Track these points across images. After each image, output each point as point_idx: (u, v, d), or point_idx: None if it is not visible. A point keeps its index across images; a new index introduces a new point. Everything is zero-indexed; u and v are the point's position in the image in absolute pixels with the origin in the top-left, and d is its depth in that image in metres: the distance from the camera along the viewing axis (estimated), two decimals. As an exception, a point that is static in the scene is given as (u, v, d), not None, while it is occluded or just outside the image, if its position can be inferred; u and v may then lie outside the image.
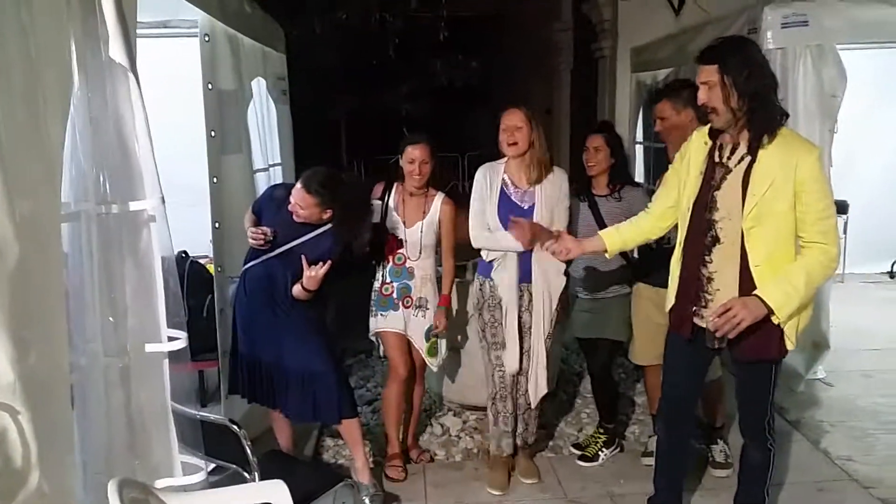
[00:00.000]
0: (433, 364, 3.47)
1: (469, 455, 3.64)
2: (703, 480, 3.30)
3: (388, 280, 3.38)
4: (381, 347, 3.50)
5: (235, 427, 2.04)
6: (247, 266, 3.06)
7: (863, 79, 4.87)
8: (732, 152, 2.39)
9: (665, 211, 2.64)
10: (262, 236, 2.93)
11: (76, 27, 1.74)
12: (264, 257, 3.01)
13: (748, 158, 2.35)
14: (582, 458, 3.52)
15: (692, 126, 3.11)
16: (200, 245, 4.04)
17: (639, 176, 6.04)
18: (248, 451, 2.02)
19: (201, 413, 2.07)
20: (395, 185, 3.40)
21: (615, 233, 2.74)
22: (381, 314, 3.38)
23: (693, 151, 2.51)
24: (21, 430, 1.37)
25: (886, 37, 4.35)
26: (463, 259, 3.80)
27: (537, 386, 3.20)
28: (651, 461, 3.39)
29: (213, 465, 2.22)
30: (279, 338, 3.00)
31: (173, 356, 2.00)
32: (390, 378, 3.43)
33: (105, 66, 1.84)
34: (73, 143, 1.76)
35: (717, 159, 2.43)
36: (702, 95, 2.37)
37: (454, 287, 3.53)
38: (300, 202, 2.86)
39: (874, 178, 6.29)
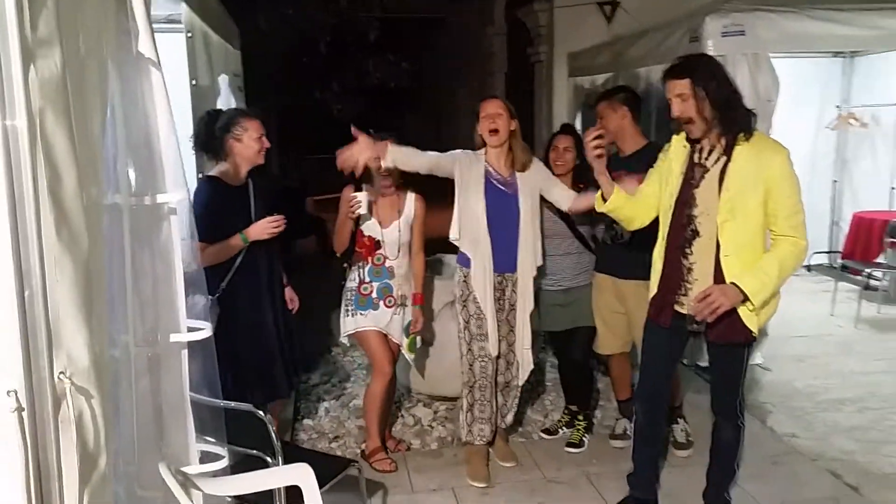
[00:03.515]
0: (411, 359, 3.56)
1: (444, 443, 3.76)
2: (667, 459, 3.52)
3: (367, 280, 3.41)
4: (352, 347, 3.56)
5: (261, 413, 2.08)
6: (226, 282, 3.04)
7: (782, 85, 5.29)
8: (710, 153, 2.60)
9: (650, 202, 2.81)
10: (282, 220, 3.03)
11: (111, 22, 1.76)
12: (240, 258, 3.05)
13: (724, 158, 2.56)
14: (569, 444, 3.67)
15: (626, 121, 3.38)
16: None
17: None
18: (274, 438, 2.07)
19: (226, 402, 2.09)
20: (365, 186, 3.39)
21: (621, 196, 2.82)
22: (361, 313, 3.40)
23: (674, 153, 2.70)
24: (94, 414, 1.39)
25: (813, 46, 4.72)
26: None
27: (524, 362, 3.37)
28: (620, 443, 3.64)
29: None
30: (281, 319, 3.17)
31: (197, 345, 2.02)
32: (376, 377, 3.45)
33: (135, 60, 1.86)
34: (108, 137, 1.77)
35: (696, 160, 2.63)
36: (676, 108, 2.56)
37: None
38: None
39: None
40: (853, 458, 3.55)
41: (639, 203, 2.84)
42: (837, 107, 6.97)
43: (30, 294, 1.25)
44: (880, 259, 6.14)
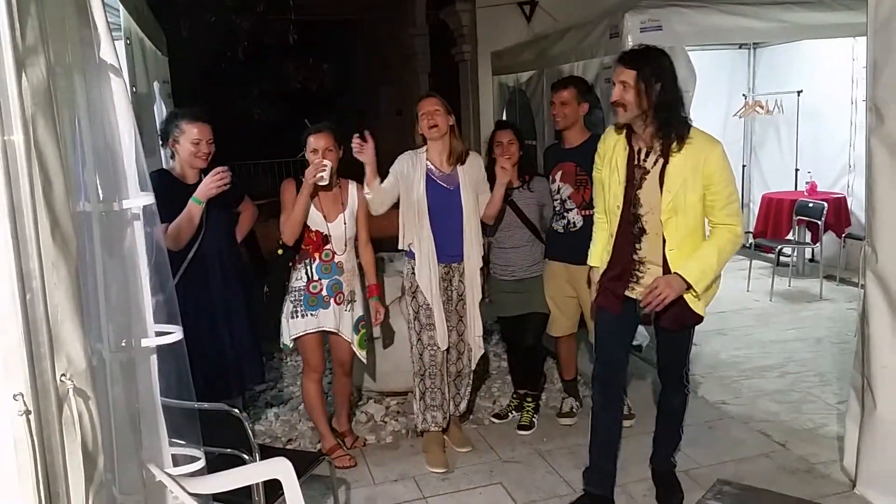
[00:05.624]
0: (363, 356, 3.53)
1: (399, 436, 3.83)
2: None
3: (316, 278, 3.35)
4: (295, 350, 3.49)
5: (236, 412, 2.11)
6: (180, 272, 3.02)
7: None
8: (647, 155, 2.71)
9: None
10: (225, 172, 3.02)
11: (74, 29, 1.78)
12: (194, 249, 3.07)
13: (662, 160, 2.68)
14: (520, 427, 3.79)
15: (581, 115, 3.53)
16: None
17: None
18: (251, 435, 2.10)
19: (200, 403, 2.11)
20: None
21: (595, 251, 2.99)
22: (311, 314, 3.36)
23: (617, 156, 2.78)
24: (91, 415, 1.42)
25: (723, 39, 5.03)
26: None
27: (475, 348, 3.50)
28: (568, 420, 3.82)
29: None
30: (234, 310, 3.24)
31: (168, 349, 2.04)
32: (308, 375, 3.46)
33: (98, 68, 1.87)
34: (77, 145, 1.79)
35: (636, 162, 2.74)
36: (617, 93, 2.67)
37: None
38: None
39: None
40: (779, 418, 3.85)
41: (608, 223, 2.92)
42: (744, 95, 7.40)
43: (31, 297, 1.28)
44: (789, 236, 6.57)
